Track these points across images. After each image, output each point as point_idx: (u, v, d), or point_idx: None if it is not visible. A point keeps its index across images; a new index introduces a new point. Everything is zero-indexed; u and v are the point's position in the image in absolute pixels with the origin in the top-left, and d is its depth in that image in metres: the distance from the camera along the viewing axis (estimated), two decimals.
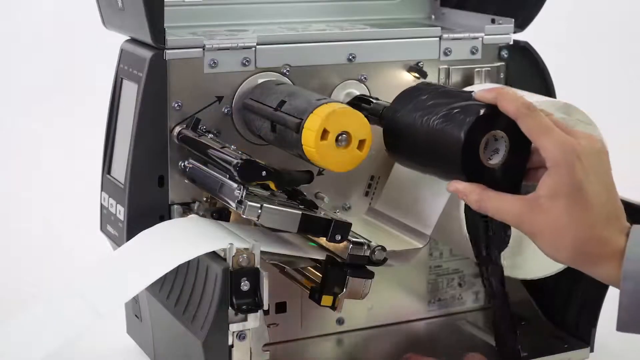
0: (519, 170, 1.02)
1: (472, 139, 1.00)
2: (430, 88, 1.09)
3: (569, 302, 1.27)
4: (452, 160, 1.01)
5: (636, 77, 2.28)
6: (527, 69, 1.28)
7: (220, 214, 1.15)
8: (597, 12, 2.35)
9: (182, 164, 1.14)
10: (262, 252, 1.01)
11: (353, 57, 1.20)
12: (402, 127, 1.07)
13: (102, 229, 1.22)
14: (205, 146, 1.09)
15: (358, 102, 1.16)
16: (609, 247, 0.95)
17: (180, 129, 1.13)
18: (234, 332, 1.01)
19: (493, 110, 1.00)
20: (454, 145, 1.00)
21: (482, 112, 1.00)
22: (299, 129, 1.05)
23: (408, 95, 1.10)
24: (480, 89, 1.03)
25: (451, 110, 1.02)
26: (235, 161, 1.04)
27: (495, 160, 1.01)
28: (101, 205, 1.21)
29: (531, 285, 1.30)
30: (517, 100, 0.99)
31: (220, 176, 1.07)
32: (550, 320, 1.31)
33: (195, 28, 1.23)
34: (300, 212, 1.04)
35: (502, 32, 1.28)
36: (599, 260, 0.95)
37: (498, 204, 1.00)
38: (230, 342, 1.01)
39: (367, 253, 1.07)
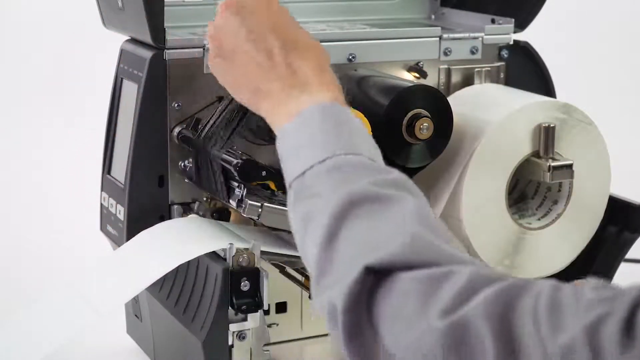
0: None
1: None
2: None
3: None
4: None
5: (636, 77, 2.28)
6: (527, 69, 1.28)
7: (220, 214, 1.15)
8: (597, 12, 2.35)
9: (182, 164, 1.14)
10: (262, 252, 1.01)
11: (353, 57, 1.20)
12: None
13: (102, 229, 1.22)
14: None
15: None
16: None
17: (180, 129, 1.13)
18: (234, 332, 1.01)
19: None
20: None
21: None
22: None
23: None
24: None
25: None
26: (235, 161, 1.04)
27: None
28: (101, 205, 1.21)
29: None
30: None
31: None
32: None
33: (195, 28, 1.23)
34: None
35: (502, 32, 1.28)
36: None
37: None
38: (230, 342, 1.01)
39: None
